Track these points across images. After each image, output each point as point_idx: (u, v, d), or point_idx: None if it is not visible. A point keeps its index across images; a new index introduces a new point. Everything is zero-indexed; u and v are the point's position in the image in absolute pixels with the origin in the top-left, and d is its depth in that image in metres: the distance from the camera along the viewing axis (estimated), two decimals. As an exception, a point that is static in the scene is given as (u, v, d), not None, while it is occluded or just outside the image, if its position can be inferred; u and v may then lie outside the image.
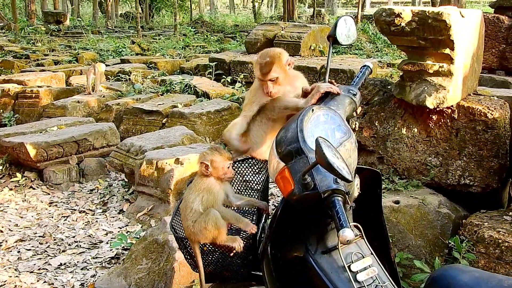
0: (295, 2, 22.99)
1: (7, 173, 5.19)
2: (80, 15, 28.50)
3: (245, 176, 2.27)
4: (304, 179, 1.53)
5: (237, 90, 7.72)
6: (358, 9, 23.51)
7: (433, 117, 3.46)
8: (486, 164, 3.35)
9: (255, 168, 2.26)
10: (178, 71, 10.24)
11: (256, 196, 2.18)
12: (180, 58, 12.54)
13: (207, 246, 1.91)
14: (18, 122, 6.92)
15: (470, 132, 3.36)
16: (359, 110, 1.93)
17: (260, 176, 2.26)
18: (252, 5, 29.92)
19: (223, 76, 8.56)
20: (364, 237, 1.67)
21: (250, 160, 2.23)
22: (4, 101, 7.33)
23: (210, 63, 8.96)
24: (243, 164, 2.25)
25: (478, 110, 3.34)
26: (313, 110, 1.77)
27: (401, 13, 3.17)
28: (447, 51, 3.23)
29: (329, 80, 1.97)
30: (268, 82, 1.95)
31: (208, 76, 8.77)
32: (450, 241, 3.08)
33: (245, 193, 2.24)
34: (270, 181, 2.17)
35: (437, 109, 3.35)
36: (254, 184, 2.25)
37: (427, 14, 3.12)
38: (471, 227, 3.05)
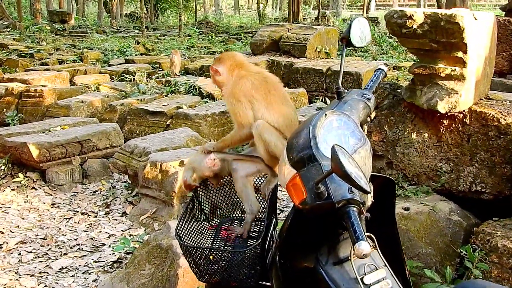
0: (300, 4, 22.97)
1: (9, 173, 5.13)
2: (85, 14, 28.49)
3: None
4: (318, 188, 1.46)
5: (242, 91, 7.63)
6: (363, 11, 23.51)
7: (444, 121, 3.38)
8: (499, 170, 3.26)
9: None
10: (182, 71, 10.18)
11: (263, 204, 2.12)
12: (184, 58, 12.48)
13: (214, 254, 1.84)
14: (22, 121, 6.86)
15: (482, 138, 3.28)
16: (373, 115, 1.85)
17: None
18: (257, 6, 29.87)
19: (228, 77, 8.47)
20: (378, 248, 1.61)
21: None
22: (7, 100, 7.27)
23: (215, 64, 8.89)
24: None
25: (491, 115, 3.25)
26: (326, 115, 1.70)
27: (413, 15, 3.09)
28: (460, 54, 3.14)
29: None
30: None
31: (213, 77, 8.69)
32: (461, 250, 3.00)
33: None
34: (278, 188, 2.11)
35: (449, 113, 3.27)
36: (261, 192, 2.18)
37: (440, 16, 3.04)
38: (484, 235, 2.97)
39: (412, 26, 3.11)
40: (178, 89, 7.78)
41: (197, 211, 2.11)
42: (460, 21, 2.98)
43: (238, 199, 2.19)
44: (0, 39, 15.83)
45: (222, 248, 1.95)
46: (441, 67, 3.23)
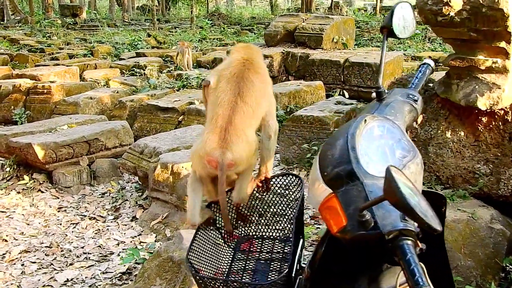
0: (312, -7, 22.58)
1: (14, 174, 4.90)
2: (96, 8, 28.31)
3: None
4: (362, 215, 1.16)
5: (256, 85, 7.34)
6: (377, 1, 23.00)
7: (483, 119, 3.06)
8: (545, 173, 2.94)
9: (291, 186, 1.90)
10: (195, 64, 9.90)
11: (288, 226, 1.84)
12: (196, 51, 12.19)
13: (233, 286, 1.55)
14: (29, 119, 6.66)
15: (525, 137, 2.96)
16: (419, 119, 1.55)
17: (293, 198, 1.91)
18: (269, -4, 29.47)
19: (242, 70, 8.19)
20: (428, 278, 1.32)
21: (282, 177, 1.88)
22: (15, 97, 7.08)
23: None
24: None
25: (536, 111, 2.93)
26: (365, 120, 1.40)
27: (450, 1, 2.77)
28: (503, 44, 2.82)
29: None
30: None
31: (226, 70, 8.41)
32: (506, 263, 2.69)
33: (274, 223, 1.90)
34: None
35: (488, 110, 2.95)
36: (286, 208, 1.90)
37: (481, 2, 2.72)
38: (532, 247, 2.66)
39: (449, 14, 2.80)
40: (190, 83, 7.50)
41: (213, 231, 1.83)
42: (504, 6, 2.66)
43: (255, 215, 1.93)
44: (11, 34, 15.71)
45: (241, 280, 1.67)
46: (480, 59, 2.91)
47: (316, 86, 6.75)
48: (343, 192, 1.25)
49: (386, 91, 1.59)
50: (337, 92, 7.15)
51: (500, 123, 3.02)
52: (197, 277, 1.56)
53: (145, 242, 3.77)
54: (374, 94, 1.65)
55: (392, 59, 7.55)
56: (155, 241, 3.76)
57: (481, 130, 3.08)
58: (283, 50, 8.58)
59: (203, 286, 1.57)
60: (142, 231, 3.94)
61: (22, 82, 7.18)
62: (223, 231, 1.88)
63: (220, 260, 1.81)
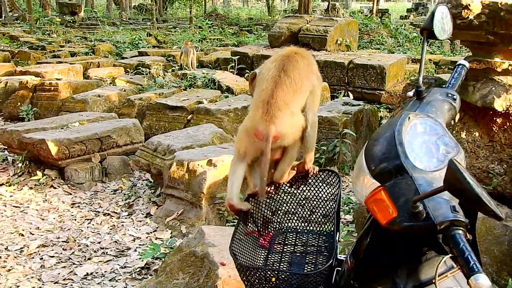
0: (310, -5, 22.65)
1: (26, 170, 4.93)
2: (93, 6, 28.25)
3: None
4: (415, 206, 1.22)
5: (261, 85, 7.39)
6: (373, 3, 23.13)
7: (498, 120, 3.13)
8: (557, 173, 3.02)
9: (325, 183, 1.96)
10: (197, 64, 9.95)
11: (324, 223, 1.91)
12: (197, 51, 12.24)
13: (278, 274, 1.61)
14: (37, 116, 6.67)
15: (539, 138, 3.03)
16: (457, 117, 1.61)
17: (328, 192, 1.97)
18: (266, -2, 29.54)
19: (247, 71, 8.25)
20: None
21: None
22: (22, 94, 7.09)
23: (233, 57, 8.66)
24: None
25: (550, 113, 3.01)
26: (409, 118, 1.47)
27: (469, 5, 2.84)
28: (519, 47, 2.90)
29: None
30: None
31: (230, 70, 8.47)
32: (522, 260, 2.77)
33: (313, 220, 1.96)
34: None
35: (504, 111, 3.02)
36: (320, 202, 1.96)
37: (500, 6, 2.80)
38: (547, 245, 2.74)
39: (468, 17, 2.87)
40: (195, 83, 7.55)
41: (250, 225, 1.89)
42: (523, 11, 2.73)
43: (289, 209, 1.99)
44: (10, 31, 15.65)
45: (289, 270, 1.73)
46: (497, 61, 2.99)
47: (322, 87, 6.81)
48: (392, 185, 1.32)
49: (425, 90, 1.66)
50: (342, 94, 7.23)
51: (515, 124, 3.09)
52: (241, 268, 1.62)
53: (160, 238, 3.82)
54: (410, 93, 1.71)
55: (396, 62, 7.65)
56: (171, 237, 3.81)
57: (496, 131, 3.15)
58: (287, 51, 8.64)
59: (243, 275, 1.62)
60: (157, 227, 3.99)
61: (29, 79, 7.19)
62: (259, 225, 1.95)
63: (257, 253, 1.87)
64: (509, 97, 2.93)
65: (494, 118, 3.14)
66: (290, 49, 1.78)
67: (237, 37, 16.16)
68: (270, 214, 1.99)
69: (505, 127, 3.12)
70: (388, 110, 7.00)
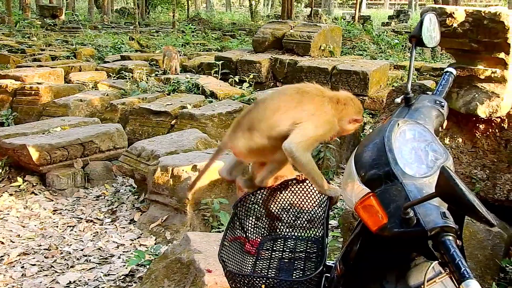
0: (293, 1, 22.76)
1: (6, 176, 4.84)
2: (75, 9, 27.98)
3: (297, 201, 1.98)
4: (406, 213, 1.22)
5: (245, 90, 7.40)
6: (356, 10, 23.36)
7: (480, 126, 3.17)
8: (539, 178, 3.07)
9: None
10: (180, 69, 9.91)
11: (312, 229, 1.92)
12: (181, 55, 12.20)
13: (267, 281, 1.60)
14: (17, 120, 6.55)
15: (521, 144, 3.08)
16: (445, 124, 1.63)
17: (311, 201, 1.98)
18: (249, 3, 29.58)
19: (230, 76, 8.25)
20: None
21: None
22: (1, 98, 6.94)
23: (216, 62, 8.64)
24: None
25: (531, 120, 3.06)
26: (398, 124, 1.48)
27: (453, 13, 2.88)
28: (502, 55, 2.94)
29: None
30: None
31: (214, 75, 8.45)
32: (506, 264, 2.80)
33: (301, 226, 1.96)
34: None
35: (486, 118, 3.07)
36: (311, 213, 1.97)
37: (483, 14, 2.84)
38: (530, 249, 2.77)
39: (452, 25, 2.90)
40: (179, 88, 7.51)
41: (238, 230, 1.88)
42: (505, 20, 2.78)
43: (281, 213, 1.99)
44: (-11, 34, 15.41)
45: (277, 276, 1.72)
46: (480, 69, 3.03)
47: (306, 93, 6.83)
48: (382, 192, 1.32)
49: (414, 96, 1.67)
50: (325, 99, 7.24)
51: (497, 130, 3.14)
52: (230, 275, 1.61)
53: (145, 245, 3.78)
54: (398, 100, 1.73)
55: (378, 68, 7.71)
56: (155, 244, 3.77)
57: (479, 137, 3.19)
58: (271, 57, 8.67)
59: (232, 281, 1.61)
60: (141, 234, 3.94)
61: (9, 83, 7.06)
62: (247, 231, 1.94)
63: (246, 260, 1.85)
64: (491, 104, 2.97)
65: (477, 125, 3.18)
66: (302, 84, 1.90)
67: (220, 42, 16.15)
68: (256, 221, 1.99)
69: (488, 133, 3.17)
70: (371, 115, 7.04)
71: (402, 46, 14.22)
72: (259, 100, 1.90)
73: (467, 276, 1.14)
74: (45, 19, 19.10)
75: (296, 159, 1.70)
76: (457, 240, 1.33)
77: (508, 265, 2.78)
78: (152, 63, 10.49)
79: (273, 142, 1.75)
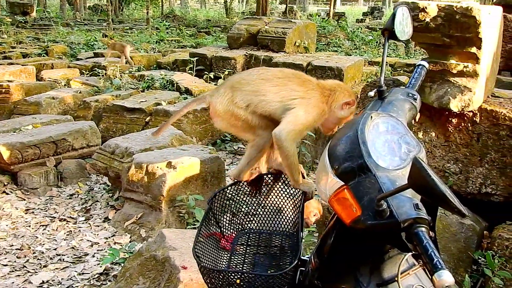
0: (268, -2, 22.79)
1: (-24, 176, 4.72)
2: (46, 6, 27.45)
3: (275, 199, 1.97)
4: (379, 205, 1.22)
5: (220, 87, 7.35)
6: (330, 6, 23.50)
7: (453, 120, 3.21)
8: (510, 171, 3.12)
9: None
10: (154, 66, 9.82)
11: (287, 224, 1.92)
12: (155, 52, 12.08)
13: (243, 276, 1.59)
14: (-14, 119, 6.40)
15: (492, 137, 3.13)
16: (417, 116, 1.64)
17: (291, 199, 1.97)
18: (224, 0, 29.48)
19: (205, 72, 8.20)
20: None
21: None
22: (-30, 97, 6.78)
23: (191, 58, 8.58)
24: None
25: (502, 113, 3.11)
26: (371, 117, 1.48)
27: (426, 8, 2.90)
28: (474, 50, 2.98)
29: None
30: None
31: (189, 72, 8.39)
32: (478, 256, 2.85)
33: (276, 221, 1.96)
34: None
35: (459, 112, 3.11)
36: (285, 207, 1.96)
37: (455, 9, 2.87)
38: (501, 241, 2.83)
39: (424, 19, 2.93)
40: (153, 84, 7.43)
41: (213, 226, 1.87)
42: (477, 14, 2.81)
43: (250, 210, 1.99)
44: (-43, 31, 15.00)
45: (252, 271, 1.71)
46: (452, 63, 3.06)
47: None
48: (356, 184, 1.32)
49: (387, 90, 1.68)
50: (301, 95, 7.27)
51: (469, 125, 3.18)
52: (204, 270, 1.59)
53: (119, 243, 3.73)
54: (371, 93, 1.74)
55: (353, 64, 7.76)
56: (130, 241, 3.73)
57: (451, 131, 3.23)
58: (246, 53, 8.65)
59: (208, 278, 1.60)
60: (116, 232, 3.89)
61: (-22, 81, 6.91)
62: (222, 226, 1.93)
63: (220, 255, 1.84)
64: (464, 98, 3.01)
65: (450, 119, 3.22)
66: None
67: (195, 39, 16.04)
68: (231, 216, 1.98)
69: (460, 127, 3.21)
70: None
71: (376, 42, 14.36)
72: (253, 68, 1.88)
73: (439, 267, 1.15)
74: (15, 16, 18.69)
75: (284, 148, 1.69)
76: (430, 232, 1.34)
77: (480, 257, 2.83)
78: (126, 60, 10.36)
79: (254, 118, 1.74)
